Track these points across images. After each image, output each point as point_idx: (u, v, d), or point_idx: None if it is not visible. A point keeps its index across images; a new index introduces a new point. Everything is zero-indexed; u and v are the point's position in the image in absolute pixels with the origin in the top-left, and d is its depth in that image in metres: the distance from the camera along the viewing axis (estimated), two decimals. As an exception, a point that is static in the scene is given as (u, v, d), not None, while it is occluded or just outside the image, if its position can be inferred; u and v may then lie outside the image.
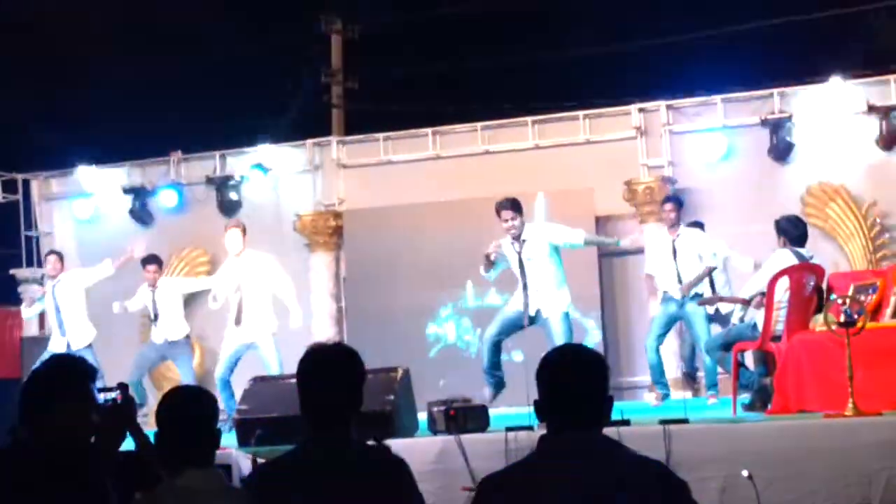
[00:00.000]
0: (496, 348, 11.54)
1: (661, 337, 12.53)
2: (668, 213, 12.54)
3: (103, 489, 4.17)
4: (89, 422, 4.40)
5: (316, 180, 17.06)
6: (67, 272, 14.09)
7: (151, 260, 13.78)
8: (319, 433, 4.40)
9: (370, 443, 4.50)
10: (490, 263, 11.55)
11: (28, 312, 15.01)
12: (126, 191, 17.41)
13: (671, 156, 15.61)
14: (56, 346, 13.49)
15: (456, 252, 15.43)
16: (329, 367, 4.45)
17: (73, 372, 4.44)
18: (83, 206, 17.62)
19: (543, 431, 8.70)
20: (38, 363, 4.63)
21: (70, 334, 13.68)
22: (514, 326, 11.52)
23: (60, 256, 14.31)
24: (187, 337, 13.75)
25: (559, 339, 10.96)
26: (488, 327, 11.66)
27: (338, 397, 4.40)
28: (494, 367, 11.47)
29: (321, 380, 4.42)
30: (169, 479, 4.11)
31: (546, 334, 11.26)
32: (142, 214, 17.33)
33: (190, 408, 4.23)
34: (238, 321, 12.60)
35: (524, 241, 11.38)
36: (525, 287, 11.35)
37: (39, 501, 4.19)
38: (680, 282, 12.27)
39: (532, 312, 11.35)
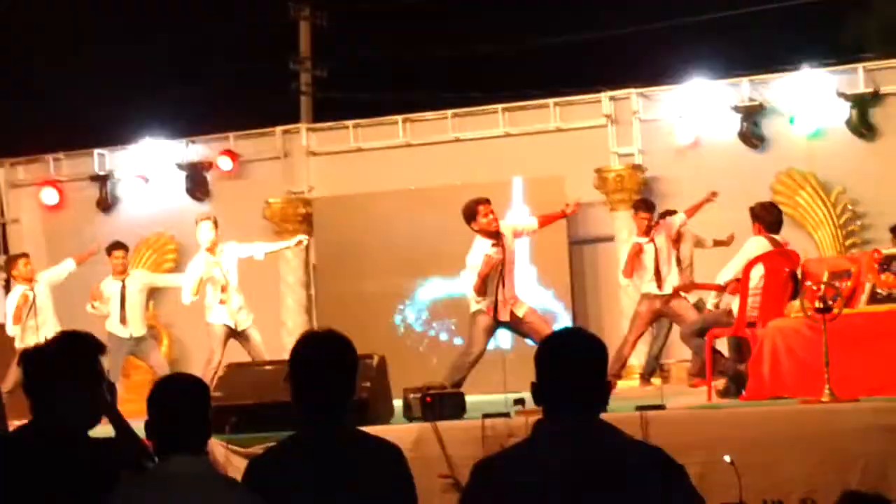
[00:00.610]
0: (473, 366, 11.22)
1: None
2: (642, 221, 12.46)
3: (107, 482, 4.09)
4: (99, 400, 4.35)
5: (285, 168, 16.97)
6: (38, 274, 13.68)
7: (118, 246, 13.54)
8: (314, 420, 4.35)
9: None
10: (485, 286, 11.09)
11: (15, 330, 13.65)
12: (92, 178, 17.27)
13: (641, 143, 15.61)
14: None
15: (426, 239, 15.41)
16: (324, 354, 4.40)
17: (80, 347, 4.38)
18: (50, 194, 17.45)
19: (520, 418, 8.72)
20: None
21: (44, 335, 13.43)
22: (492, 336, 11.29)
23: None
24: (150, 327, 13.61)
25: (541, 332, 10.72)
26: (471, 347, 11.31)
27: (334, 386, 4.36)
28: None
29: (317, 367, 4.37)
30: (156, 465, 4.04)
31: (526, 333, 11.10)
32: (108, 202, 17.18)
33: (183, 395, 4.17)
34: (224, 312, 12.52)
35: (502, 234, 11.21)
36: (500, 286, 11.12)
37: (41, 490, 4.15)
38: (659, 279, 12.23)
39: (507, 316, 11.16)
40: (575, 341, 4.03)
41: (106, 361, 4.45)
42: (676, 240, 12.77)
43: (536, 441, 3.94)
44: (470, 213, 11.15)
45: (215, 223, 12.60)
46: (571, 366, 3.91)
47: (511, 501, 3.82)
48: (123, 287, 13.32)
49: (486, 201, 11.19)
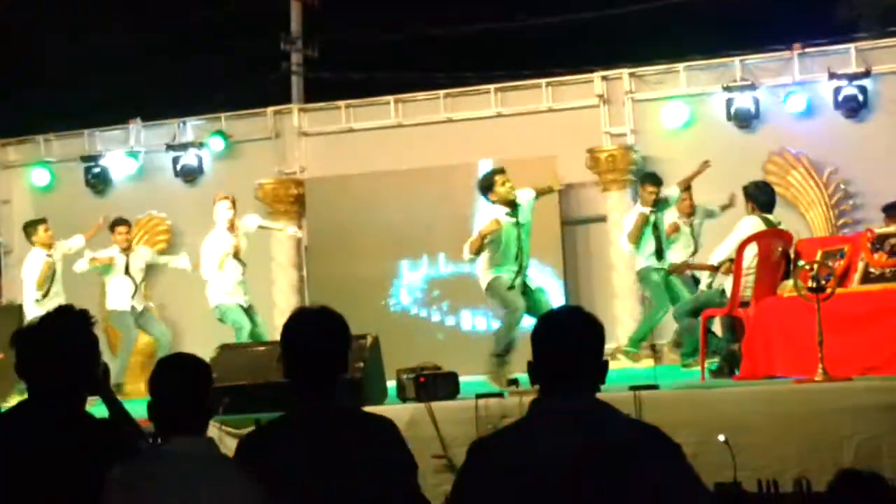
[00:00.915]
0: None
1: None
2: (650, 194, 12.58)
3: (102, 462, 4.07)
4: (95, 375, 4.36)
5: (276, 148, 16.92)
6: (57, 243, 13.81)
7: (121, 222, 13.67)
8: (307, 398, 4.33)
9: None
10: (482, 247, 11.16)
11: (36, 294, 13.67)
12: (84, 158, 17.21)
13: (633, 123, 15.59)
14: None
15: (418, 220, 15.39)
16: (317, 330, 4.37)
17: (73, 323, 4.37)
18: (40, 174, 17.40)
19: (513, 399, 8.72)
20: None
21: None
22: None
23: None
24: (147, 307, 13.70)
25: (548, 306, 10.75)
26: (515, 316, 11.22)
27: (327, 362, 4.34)
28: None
29: (309, 344, 4.35)
30: (156, 446, 4.02)
31: (533, 304, 11.09)
32: (99, 182, 17.13)
33: (186, 375, 4.15)
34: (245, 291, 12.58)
35: (518, 205, 11.20)
36: (517, 257, 11.13)
37: (37, 469, 4.13)
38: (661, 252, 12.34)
39: (531, 282, 11.20)
40: (572, 320, 4.01)
41: (100, 336, 4.43)
42: (690, 214, 12.89)
43: (533, 421, 3.92)
44: (487, 184, 11.23)
45: (233, 203, 12.69)
46: (568, 345, 3.89)
47: (507, 482, 3.80)
48: (128, 262, 13.40)
49: (502, 171, 11.21)
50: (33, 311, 13.17)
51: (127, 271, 13.50)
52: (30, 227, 13.97)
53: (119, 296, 13.58)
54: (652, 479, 3.74)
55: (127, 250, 13.54)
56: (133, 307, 13.53)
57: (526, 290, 11.12)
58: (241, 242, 12.78)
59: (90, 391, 4.62)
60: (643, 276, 12.69)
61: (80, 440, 4.19)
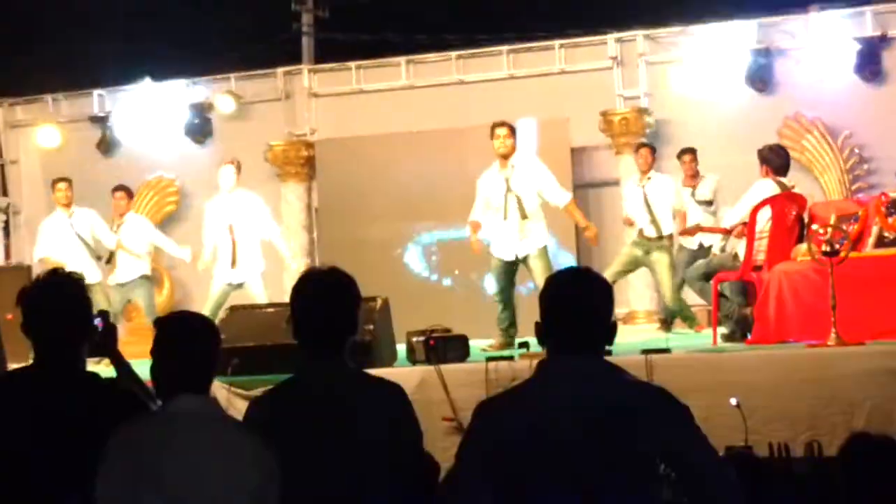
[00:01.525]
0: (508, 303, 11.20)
1: (622, 274, 12.61)
2: (646, 159, 12.58)
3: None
4: (85, 335, 4.33)
5: (287, 109, 16.86)
6: (81, 209, 13.44)
7: (120, 188, 13.48)
8: (316, 360, 4.29)
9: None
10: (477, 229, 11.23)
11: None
12: (93, 119, 17.16)
13: (647, 86, 15.49)
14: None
15: (429, 182, 15.33)
16: (326, 292, 4.34)
17: (66, 284, 4.36)
18: (49, 134, 17.35)
19: (524, 362, 8.69)
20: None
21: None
22: (511, 273, 11.24)
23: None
24: (143, 277, 13.33)
25: (542, 277, 10.70)
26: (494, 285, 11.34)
27: (335, 323, 4.32)
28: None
29: (318, 305, 4.32)
30: (162, 405, 3.97)
31: (530, 272, 11.07)
32: (108, 143, 17.08)
33: (189, 333, 4.10)
34: (234, 262, 12.41)
35: (513, 165, 11.14)
36: (505, 219, 11.11)
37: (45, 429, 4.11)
38: (654, 225, 12.28)
39: (511, 256, 11.14)
40: (579, 281, 3.99)
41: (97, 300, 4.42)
42: (693, 176, 12.91)
43: (539, 381, 3.91)
44: (491, 131, 11.25)
45: (238, 168, 12.56)
46: (576, 306, 3.87)
47: (513, 441, 3.79)
48: (121, 227, 13.20)
49: (503, 125, 11.21)
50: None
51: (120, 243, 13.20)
52: (51, 186, 13.73)
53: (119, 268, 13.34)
54: (659, 440, 3.73)
55: (120, 217, 13.28)
56: (120, 281, 13.19)
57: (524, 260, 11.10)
58: (243, 211, 12.56)
59: (93, 352, 4.60)
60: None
61: (82, 400, 4.18)
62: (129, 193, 13.65)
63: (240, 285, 12.39)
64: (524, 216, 11.04)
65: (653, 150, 12.88)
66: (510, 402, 3.96)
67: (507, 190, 11.07)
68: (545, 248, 11.15)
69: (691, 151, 13.14)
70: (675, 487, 3.96)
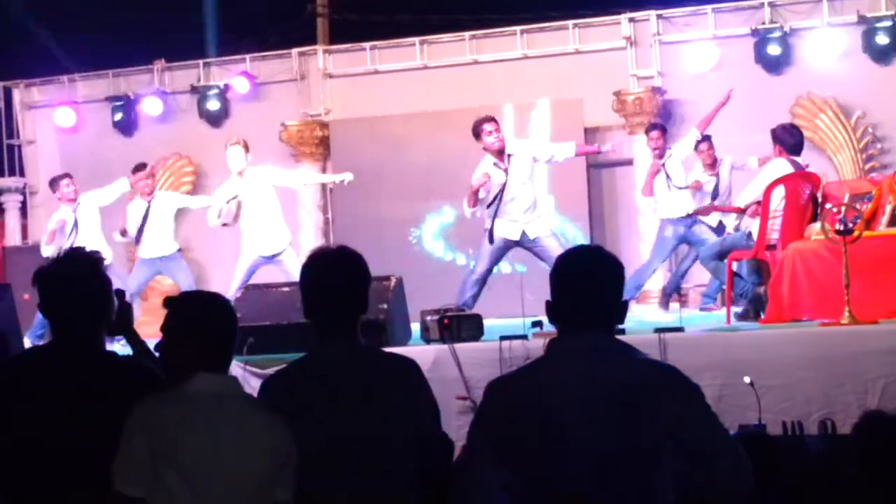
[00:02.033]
0: (481, 285, 11.33)
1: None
2: (656, 141, 12.66)
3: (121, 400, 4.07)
4: (112, 314, 4.36)
5: (301, 90, 16.88)
6: (84, 194, 13.50)
7: (141, 167, 13.56)
8: (328, 338, 4.32)
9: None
10: (477, 200, 11.17)
11: (48, 251, 13.31)
12: (109, 100, 17.21)
13: (661, 66, 15.48)
14: None
15: (443, 162, 15.35)
16: (336, 270, 4.36)
17: (82, 263, 4.38)
18: (65, 115, 17.40)
19: (538, 341, 8.71)
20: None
21: None
22: (500, 256, 11.40)
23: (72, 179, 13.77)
24: (179, 251, 13.55)
25: (554, 256, 10.74)
26: (477, 265, 11.47)
27: (345, 301, 4.33)
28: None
29: (328, 283, 4.33)
30: (182, 383, 3.99)
31: (538, 254, 11.12)
32: (125, 123, 17.13)
33: (209, 313, 4.12)
34: (260, 238, 12.47)
35: (510, 155, 11.19)
36: (502, 204, 11.12)
37: (64, 406, 4.15)
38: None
39: (517, 235, 11.18)
40: (590, 259, 3.98)
41: (114, 278, 4.44)
42: (712, 164, 12.88)
43: (550, 360, 3.91)
44: (475, 132, 11.21)
45: (246, 148, 12.54)
46: (586, 284, 3.87)
47: (523, 419, 3.81)
48: (149, 208, 13.31)
49: (491, 119, 11.24)
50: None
51: (146, 218, 13.31)
52: (52, 184, 13.77)
53: (144, 243, 13.46)
54: (669, 418, 3.73)
55: (149, 195, 13.41)
56: (157, 254, 13.35)
57: (522, 241, 11.14)
58: (256, 189, 12.53)
59: (112, 331, 4.63)
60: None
61: (99, 378, 4.20)
62: (150, 171, 13.77)
63: (272, 257, 12.45)
64: (534, 204, 11.14)
65: (663, 130, 13.01)
66: (520, 380, 3.97)
67: (508, 184, 11.10)
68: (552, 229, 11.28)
69: (707, 139, 13.09)
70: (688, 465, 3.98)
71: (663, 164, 12.67)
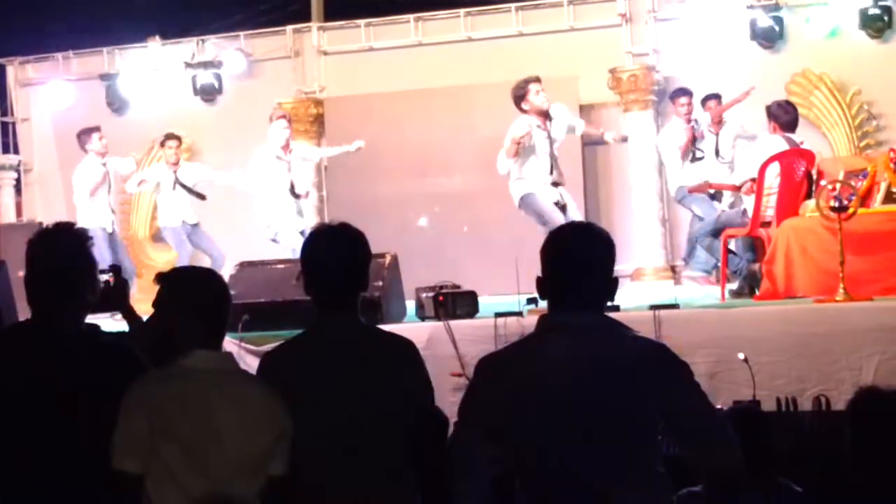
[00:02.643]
0: None
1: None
2: (686, 106, 12.69)
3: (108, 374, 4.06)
4: (85, 292, 4.29)
5: (296, 67, 16.84)
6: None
7: (172, 136, 13.76)
8: (328, 315, 4.32)
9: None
10: (518, 153, 11.05)
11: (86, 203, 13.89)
12: (103, 77, 17.16)
13: (656, 43, 15.44)
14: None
15: (438, 140, 15.33)
16: (337, 247, 4.36)
17: (68, 238, 4.33)
18: (60, 92, 17.36)
19: (532, 317, 8.73)
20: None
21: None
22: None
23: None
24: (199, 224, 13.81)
25: None
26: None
27: (347, 278, 4.33)
28: None
29: (330, 260, 4.33)
30: (178, 360, 3.99)
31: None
32: (119, 101, 17.09)
33: (202, 289, 4.12)
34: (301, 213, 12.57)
35: (552, 119, 11.11)
36: (551, 171, 11.08)
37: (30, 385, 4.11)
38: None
39: (564, 199, 11.14)
40: (581, 235, 3.99)
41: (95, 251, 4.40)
42: (718, 122, 12.90)
43: (539, 336, 3.92)
44: (521, 93, 11.11)
45: (290, 121, 12.67)
46: (577, 261, 3.87)
47: (515, 395, 3.83)
48: (177, 177, 13.47)
49: (538, 80, 11.11)
50: (84, 217, 13.23)
51: (176, 187, 13.53)
52: (83, 135, 13.97)
53: (168, 211, 13.73)
54: (658, 395, 3.75)
55: (175, 165, 13.58)
56: (184, 222, 13.63)
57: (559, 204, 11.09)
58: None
59: (105, 306, 4.62)
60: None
61: (83, 356, 4.16)
62: (180, 140, 14.19)
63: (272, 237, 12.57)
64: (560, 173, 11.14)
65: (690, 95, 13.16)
66: (511, 357, 3.99)
67: (550, 147, 11.04)
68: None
69: (716, 97, 13.09)
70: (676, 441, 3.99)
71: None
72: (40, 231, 4.38)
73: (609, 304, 3.95)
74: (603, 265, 3.91)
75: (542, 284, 3.93)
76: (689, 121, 12.81)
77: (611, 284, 3.92)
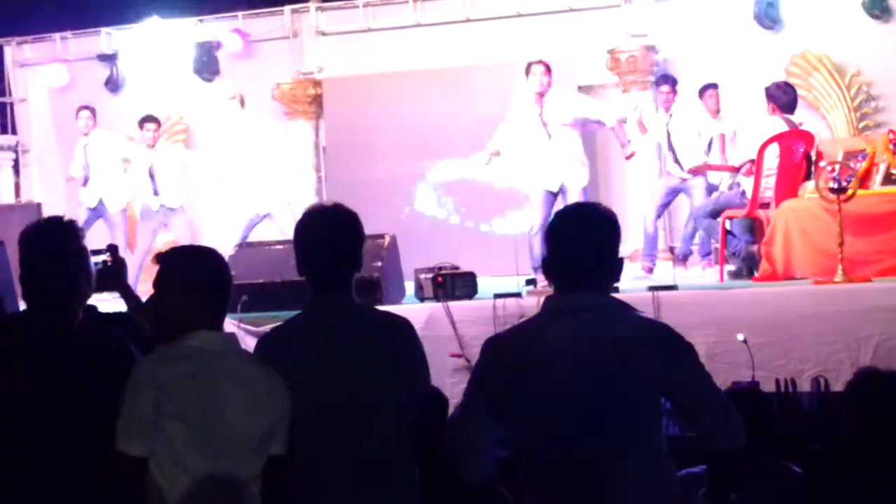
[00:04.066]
0: None
1: (662, 208, 12.60)
2: (668, 95, 12.63)
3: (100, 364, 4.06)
4: (74, 286, 4.23)
5: (294, 48, 16.80)
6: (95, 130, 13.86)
7: (150, 119, 13.66)
8: (322, 296, 4.32)
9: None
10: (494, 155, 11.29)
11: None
12: (101, 58, 17.13)
13: (655, 24, 15.39)
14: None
15: (437, 121, 15.31)
16: (331, 227, 4.36)
17: (57, 232, 4.30)
18: (57, 73, 17.33)
19: (531, 298, 8.74)
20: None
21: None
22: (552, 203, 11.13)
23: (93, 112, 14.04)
24: (182, 207, 13.67)
25: None
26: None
27: (339, 258, 4.33)
28: None
29: (324, 241, 4.33)
30: (178, 341, 3.98)
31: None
32: (116, 81, 17.06)
33: (205, 269, 4.11)
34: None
35: (546, 101, 11.09)
36: (550, 152, 11.05)
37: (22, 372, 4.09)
38: (677, 163, 12.31)
39: (555, 187, 11.11)
40: (586, 217, 3.99)
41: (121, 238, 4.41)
42: (716, 111, 12.90)
43: (545, 317, 3.92)
44: (526, 72, 11.13)
45: (241, 102, 12.63)
46: (582, 241, 3.88)
47: (520, 376, 3.84)
48: (153, 160, 13.43)
49: (539, 62, 11.12)
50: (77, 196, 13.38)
51: (152, 170, 13.45)
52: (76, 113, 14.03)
53: (141, 194, 13.60)
54: (662, 375, 3.76)
55: (151, 147, 13.52)
56: (163, 206, 13.50)
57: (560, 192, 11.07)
58: None
59: (103, 286, 4.60)
60: None
61: (65, 349, 4.12)
62: (160, 123, 14.06)
63: (266, 215, 12.51)
64: (561, 148, 11.03)
65: (674, 85, 12.98)
66: (516, 338, 3.99)
67: (541, 123, 11.01)
68: (585, 185, 11.17)
69: (714, 87, 13.05)
70: (680, 422, 4.00)
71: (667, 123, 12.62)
72: (30, 228, 4.33)
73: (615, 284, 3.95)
74: (609, 246, 3.92)
75: (547, 265, 3.93)
76: (668, 110, 12.73)
77: (616, 265, 3.93)
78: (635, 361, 3.74)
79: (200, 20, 16.98)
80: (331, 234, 4.35)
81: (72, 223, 4.36)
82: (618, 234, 3.94)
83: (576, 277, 3.87)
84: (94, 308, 4.47)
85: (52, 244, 4.23)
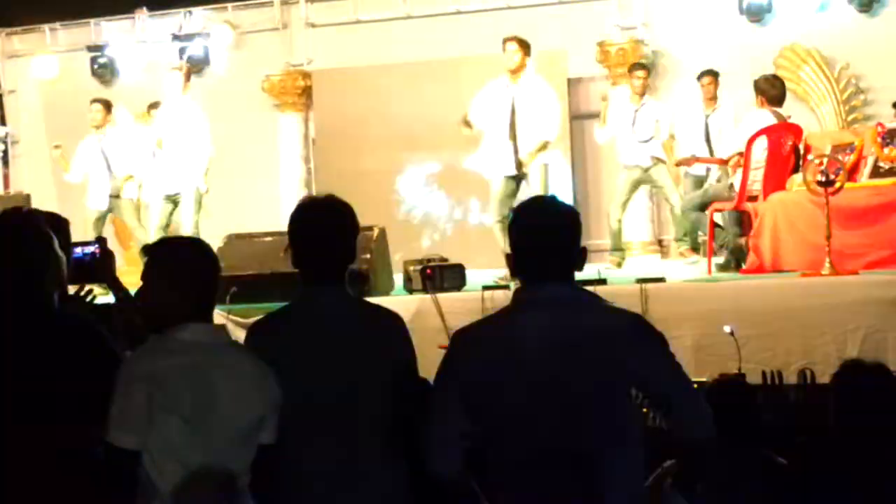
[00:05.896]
0: None
1: (626, 203, 12.59)
2: (642, 81, 12.60)
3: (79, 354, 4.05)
4: (48, 274, 4.19)
5: (283, 39, 16.79)
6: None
7: (95, 100, 13.58)
8: (314, 287, 4.33)
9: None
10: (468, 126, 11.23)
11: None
12: (90, 48, 17.11)
13: (645, 17, 15.41)
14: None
15: (427, 113, 15.30)
16: (324, 219, 4.36)
17: (34, 221, 4.28)
18: (46, 64, 17.29)
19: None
20: None
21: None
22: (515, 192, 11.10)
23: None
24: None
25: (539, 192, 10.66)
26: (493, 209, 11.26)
27: (334, 250, 4.34)
28: None
29: (317, 232, 4.34)
30: (168, 333, 3.98)
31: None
32: (106, 72, 17.04)
33: (192, 261, 4.11)
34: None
35: (521, 84, 11.07)
36: (510, 136, 11.06)
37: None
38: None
39: (514, 170, 11.10)
40: (545, 209, 4.01)
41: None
42: (712, 99, 12.83)
43: (516, 309, 3.93)
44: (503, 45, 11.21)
45: (187, 75, 12.62)
46: (544, 234, 3.89)
47: (488, 367, 3.84)
48: (102, 145, 13.27)
49: (512, 38, 11.22)
50: None
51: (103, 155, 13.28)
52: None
53: (92, 183, 13.44)
54: (633, 365, 3.76)
55: (99, 128, 13.36)
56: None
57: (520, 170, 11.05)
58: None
59: (91, 278, 4.60)
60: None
61: (38, 340, 4.07)
62: (108, 106, 13.73)
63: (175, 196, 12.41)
64: (525, 134, 11.01)
65: (648, 72, 12.94)
66: (486, 331, 3.99)
67: (511, 107, 11.01)
68: (545, 166, 11.14)
69: (712, 73, 13.02)
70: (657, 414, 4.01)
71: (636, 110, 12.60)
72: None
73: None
74: (568, 237, 3.91)
75: (511, 259, 3.95)
76: (641, 95, 12.71)
77: (579, 254, 3.94)
78: (607, 351, 3.74)
79: (189, 11, 16.93)
80: (326, 226, 4.35)
81: (29, 215, 4.34)
82: (578, 224, 3.95)
83: (541, 270, 3.87)
84: (77, 297, 4.46)
85: (16, 241, 4.15)
